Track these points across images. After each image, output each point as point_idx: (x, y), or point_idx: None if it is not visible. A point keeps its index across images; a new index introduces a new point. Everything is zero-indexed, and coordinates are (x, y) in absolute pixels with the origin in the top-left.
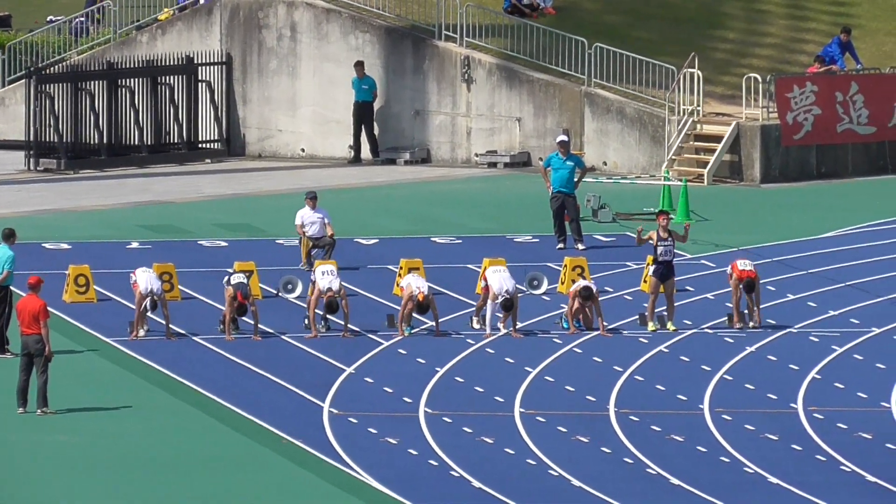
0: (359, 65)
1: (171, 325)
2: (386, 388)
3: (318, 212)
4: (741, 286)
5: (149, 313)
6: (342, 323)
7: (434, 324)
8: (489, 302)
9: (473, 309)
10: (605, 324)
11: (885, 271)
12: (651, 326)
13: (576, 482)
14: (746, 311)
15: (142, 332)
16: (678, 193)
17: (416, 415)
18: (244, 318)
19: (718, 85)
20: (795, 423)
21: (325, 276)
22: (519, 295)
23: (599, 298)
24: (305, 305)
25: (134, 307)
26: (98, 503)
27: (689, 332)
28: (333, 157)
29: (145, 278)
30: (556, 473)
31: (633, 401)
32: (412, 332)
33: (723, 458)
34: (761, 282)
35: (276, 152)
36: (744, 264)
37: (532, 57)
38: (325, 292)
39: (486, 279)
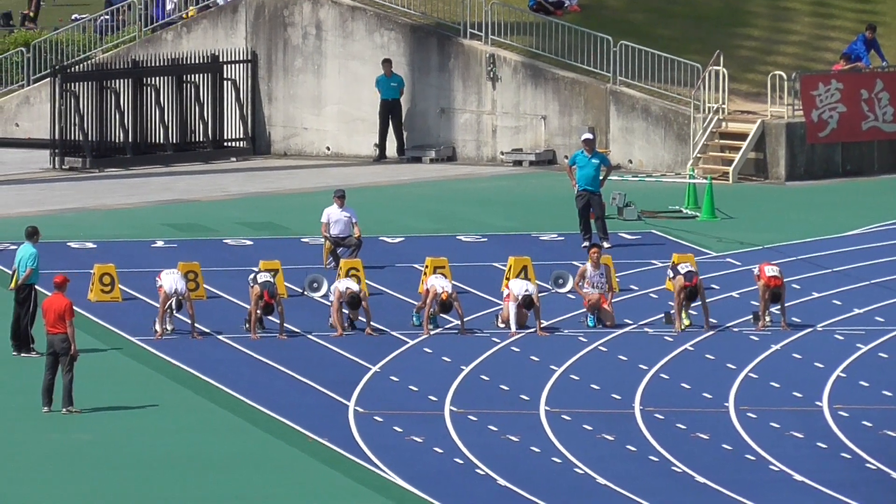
0: (386, 62)
1: (196, 325)
2: (411, 387)
3: (345, 211)
4: (767, 295)
5: (175, 314)
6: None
7: (459, 323)
8: (511, 303)
9: (500, 307)
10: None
11: None
12: (678, 326)
13: (601, 480)
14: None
15: (168, 328)
16: (703, 191)
17: (441, 413)
18: (270, 318)
19: (743, 83)
20: (820, 421)
21: (344, 280)
22: (543, 294)
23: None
24: (330, 304)
25: (158, 306)
26: (122, 502)
27: (715, 330)
28: (359, 155)
29: (170, 280)
30: (581, 472)
31: (658, 399)
32: (435, 329)
33: (748, 456)
34: (787, 279)
35: (301, 150)
36: (771, 270)
37: (557, 55)
38: (345, 292)
39: (508, 288)
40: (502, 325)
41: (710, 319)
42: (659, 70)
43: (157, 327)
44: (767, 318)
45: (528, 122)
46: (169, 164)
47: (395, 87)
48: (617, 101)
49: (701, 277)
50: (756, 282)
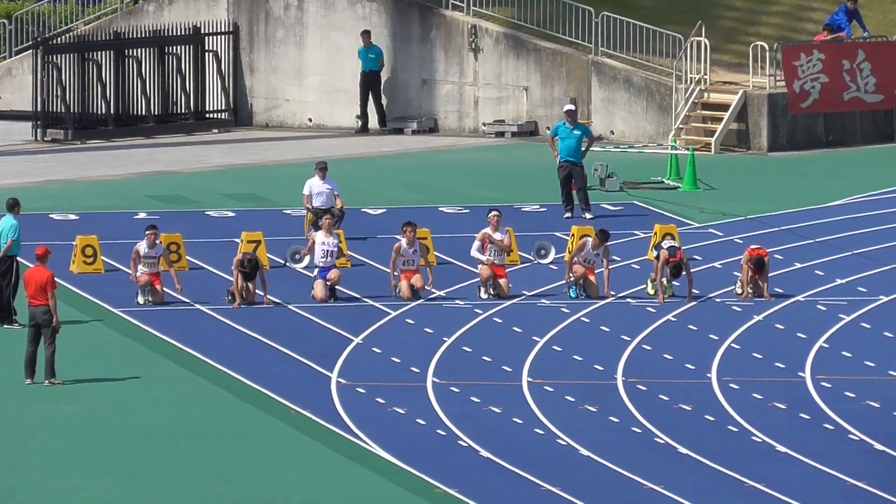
0: (365, 34)
1: (177, 286)
2: (394, 358)
3: (327, 183)
4: (750, 263)
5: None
6: (350, 293)
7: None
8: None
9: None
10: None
11: (893, 239)
12: (661, 297)
13: (583, 451)
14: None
15: (151, 298)
16: (685, 162)
17: (423, 385)
18: (252, 286)
19: (725, 53)
20: (803, 392)
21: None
22: (525, 265)
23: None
24: (313, 276)
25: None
26: (106, 473)
27: (697, 300)
28: (341, 126)
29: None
30: (563, 443)
31: (640, 370)
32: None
33: (731, 427)
34: (769, 250)
35: (283, 122)
36: (755, 246)
37: (539, 26)
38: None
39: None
40: (485, 296)
41: (693, 290)
42: (641, 41)
43: (133, 276)
44: (749, 289)
45: (510, 94)
46: (151, 136)
47: (373, 59)
48: (599, 72)
49: (683, 249)
50: (741, 268)
